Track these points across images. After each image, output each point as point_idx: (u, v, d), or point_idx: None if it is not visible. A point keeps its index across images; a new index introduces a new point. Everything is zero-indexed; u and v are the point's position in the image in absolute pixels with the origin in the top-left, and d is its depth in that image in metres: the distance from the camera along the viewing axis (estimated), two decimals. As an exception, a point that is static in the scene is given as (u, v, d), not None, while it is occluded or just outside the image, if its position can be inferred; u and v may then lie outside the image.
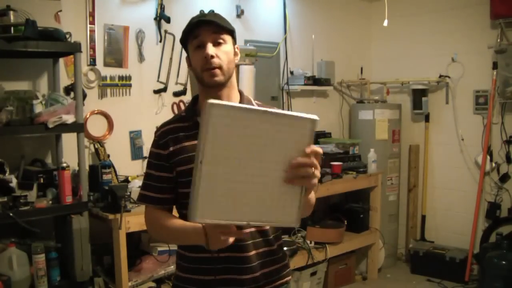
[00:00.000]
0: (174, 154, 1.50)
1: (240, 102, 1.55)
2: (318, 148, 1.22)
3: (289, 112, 1.23)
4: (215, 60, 1.44)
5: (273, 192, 1.23)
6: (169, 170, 1.51)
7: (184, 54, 3.60)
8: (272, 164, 1.22)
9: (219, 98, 1.49)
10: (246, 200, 1.22)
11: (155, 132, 1.57)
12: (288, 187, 1.23)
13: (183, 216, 1.53)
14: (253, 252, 1.49)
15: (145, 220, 1.57)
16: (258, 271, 1.49)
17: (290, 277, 1.63)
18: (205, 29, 1.44)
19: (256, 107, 1.32)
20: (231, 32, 1.50)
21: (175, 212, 1.58)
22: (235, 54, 1.52)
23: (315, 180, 1.23)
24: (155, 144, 1.55)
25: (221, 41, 1.46)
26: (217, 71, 1.45)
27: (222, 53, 1.45)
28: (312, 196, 1.48)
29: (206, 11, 1.62)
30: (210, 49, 1.43)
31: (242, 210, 1.22)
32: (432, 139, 4.64)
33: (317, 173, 1.22)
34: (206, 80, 1.46)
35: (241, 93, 1.58)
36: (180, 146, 1.50)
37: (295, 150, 1.22)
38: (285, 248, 1.70)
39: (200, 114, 1.52)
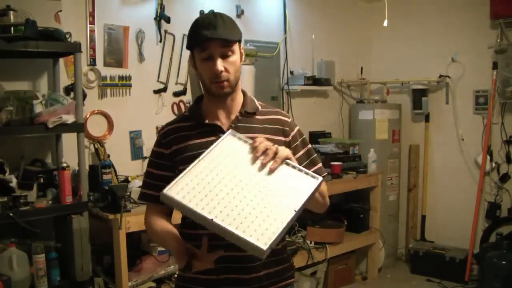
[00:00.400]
0: (176, 153, 1.51)
1: (243, 102, 1.56)
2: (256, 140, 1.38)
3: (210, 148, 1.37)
4: (224, 74, 1.44)
5: (258, 209, 1.25)
6: (170, 169, 1.52)
7: (184, 54, 3.61)
8: (253, 173, 1.32)
9: (224, 101, 1.52)
10: (224, 201, 1.26)
11: (158, 132, 1.59)
12: (277, 213, 1.24)
13: (183, 217, 1.53)
14: None
15: (144, 219, 1.58)
16: (261, 271, 1.49)
17: (294, 279, 1.62)
18: (214, 42, 1.42)
19: (188, 167, 1.35)
20: (239, 39, 1.50)
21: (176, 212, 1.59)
22: (241, 56, 1.52)
23: (275, 155, 1.35)
24: (157, 143, 1.57)
25: (229, 53, 1.45)
26: (225, 83, 1.46)
27: (230, 64, 1.46)
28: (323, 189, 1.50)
29: (206, 11, 1.62)
30: (219, 65, 1.43)
31: (215, 206, 1.24)
32: (432, 139, 4.64)
33: (271, 151, 1.36)
34: (214, 92, 1.48)
35: (244, 93, 1.59)
36: (183, 145, 1.51)
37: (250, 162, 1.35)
38: (285, 248, 1.70)
39: (204, 115, 1.55)
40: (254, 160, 1.35)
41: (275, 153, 1.35)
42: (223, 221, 1.21)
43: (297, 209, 1.25)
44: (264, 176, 1.31)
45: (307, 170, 1.36)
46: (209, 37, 1.40)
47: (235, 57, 1.47)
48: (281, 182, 1.31)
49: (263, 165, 1.33)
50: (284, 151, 1.37)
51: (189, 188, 1.29)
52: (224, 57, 1.44)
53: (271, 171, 1.32)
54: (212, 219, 1.21)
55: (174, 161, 1.51)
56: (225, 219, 1.22)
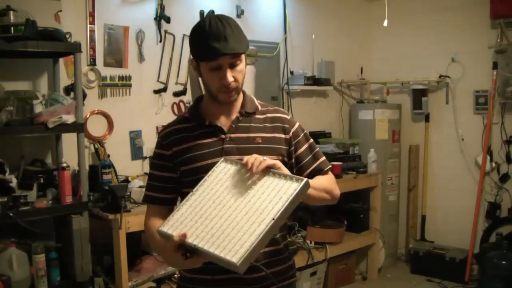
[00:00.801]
0: (177, 154, 1.51)
1: (243, 102, 1.56)
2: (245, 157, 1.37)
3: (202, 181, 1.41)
4: (233, 84, 1.45)
5: (238, 226, 1.27)
6: (172, 170, 1.53)
7: (184, 54, 3.60)
8: (231, 198, 1.34)
9: (227, 104, 1.52)
10: (209, 225, 1.30)
11: (159, 133, 1.59)
12: (256, 226, 1.26)
13: None
14: None
15: (145, 223, 1.57)
16: (263, 270, 1.48)
17: (296, 278, 1.63)
18: (225, 55, 1.41)
19: (182, 202, 1.41)
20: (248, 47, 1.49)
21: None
22: (245, 60, 1.51)
23: (263, 163, 1.35)
24: (158, 145, 1.57)
25: (238, 62, 1.45)
26: (233, 92, 1.47)
27: (238, 73, 1.46)
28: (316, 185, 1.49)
29: (206, 11, 1.62)
30: (229, 76, 1.43)
31: (200, 232, 1.30)
32: (432, 139, 4.64)
33: (257, 160, 1.35)
34: (221, 99, 1.48)
35: (243, 93, 1.59)
36: (183, 146, 1.51)
37: (235, 175, 1.38)
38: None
39: (204, 116, 1.54)
40: (243, 177, 1.36)
41: (260, 162, 1.34)
42: (203, 244, 1.27)
43: (275, 217, 1.25)
44: (248, 192, 1.33)
45: (292, 175, 1.33)
46: (223, 52, 1.38)
47: (242, 65, 1.47)
48: (263, 194, 1.31)
49: (249, 178, 1.35)
50: (270, 161, 1.35)
51: (180, 221, 1.35)
52: (233, 66, 1.44)
53: (253, 181, 1.34)
54: (195, 244, 1.27)
55: (175, 163, 1.52)
56: (206, 241, 1.27)
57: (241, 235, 1.24)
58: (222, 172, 1.41)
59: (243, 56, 1.47)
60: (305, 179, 1.29)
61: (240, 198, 1.33)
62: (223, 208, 1.32)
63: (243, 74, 1.49)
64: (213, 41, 1.39)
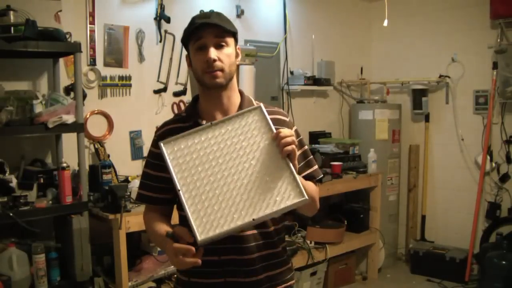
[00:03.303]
0: None
1: (241, 103, 1.54)
2: (282, 132, 1.33)
3: (232, 114, 1.35)
4: (217, 64, 1.43)
5: (258, 185, 1.27)
6: (167, 169, 1.51)
7: (184, 54, 3.61)
8: (245, 163, 1.30)
9: (219, 99, 1.50)
10: (234, 207, 1.26)
11: (155, 132, 1.57)
12: (271, 173, 1.27)
13: (182, 218, 1.52)
14: (256, 255, 1.48)
15: (143, 219, 1.57)
16: (261, 274, 1.48)
17: (294, 281, 1.61)
18: (208, 31, 1.42)
19: (201, 126, 1.39)
20: (234, 34, 1.49)
21: (176, 212, 1.58)
22: (237, 55, 1.51)
23: (294, 150, 1.33)
24: (154, 143, 1.55)
25: (223, 44, 1.45)
26: (219, 73, 1.44)
27: (224, 56, 1.44)
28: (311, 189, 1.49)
29: (206, 11, 1.61)
30: (213, 52, 1.42)
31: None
32: (432, 139, 4.64)
33: (291, 141, 1.33)
34: (207, 82, 1.46)
35: (241, 93, 1.57)
36: None
37: (260, 140, 1.32)
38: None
39: (200, 115, 1.53)
40: (264, 148, 1.33)
41: (293, 148, 1.32)
42: (185, 197, 1.27)
43: (256, 218, 1.25)
44: (255, 169, 1.30)
45: (298, 183, 1.30)
46: (201, 22, 1.42)
47: (229, 50, 1.46)
48: (267, 182, 1.29)
49: (268, 151, 1.32)
50: (296, 151, 1.35)
51: (184, 153, 1.33)
52: (218, 47, 1.44)
53: (268, 159, 1.31)
54: (179, 190, 1.29)
55: None
56: (189, 196, 1.27)
57: (221, 217, 1.25)
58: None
59: (230, 42, 1.47)
60: (305, 197, 1.27)
61: (244, 171, 1.30)
62: (221, 172, 1.30)
63: (231, 61, 1.47)
64: (197, 19, 1.44)
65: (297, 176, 1.30)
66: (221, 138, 1.34)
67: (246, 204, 1.26)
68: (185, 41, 1.50)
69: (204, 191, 1.27)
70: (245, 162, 1.31)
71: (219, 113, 1.51)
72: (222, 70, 1.44)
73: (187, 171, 1.30)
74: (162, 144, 1.35)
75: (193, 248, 1.25)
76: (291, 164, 1.31)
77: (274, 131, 1.34)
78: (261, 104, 1.42)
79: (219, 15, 1.47)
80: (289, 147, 1.31)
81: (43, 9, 2.61)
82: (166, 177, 1.51)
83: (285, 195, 1.27)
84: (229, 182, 1.29)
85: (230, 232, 1.25)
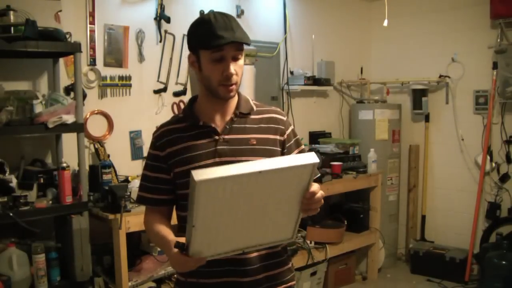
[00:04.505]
0: (171, 156, 1.49)
1: (238, 103, 1.54)
2: (318, 191, 1.35)
3: (286, 163, 1.20)
4: (234, 78, 1.43)
5: (269, 219, 1.27)
6: (166, 171, 1.51)
7: (184, 54, 3.60)
8: (270, 205, 1.26)
9: (221, 104, 1.50)
10: (239, 235, 1.28)
11: (153, 134, 1.57)
12: (285, 211, 1.26)
13: (181, 219, 1.52)
14: (255, 254, 1.47)
15: (143, 220, 1.57)
16: (260, 274, 1.48)
17: (294, 282, 1.61)
18: (231, 45, 1.40)
19: (248, 168, 1.17)
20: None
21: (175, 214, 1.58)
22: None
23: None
24: (152, 145, 1.55)
25: (240, 56, 1.44)
26: (234, 87, 1.45)
27: (239, 68, 1.45)
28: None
29: (206, 11, 1.60)
30: (232, 68, 1.41)
31: (235, 241, 1.29)
32: (432, 139, 4.64)
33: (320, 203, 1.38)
34: (221, 94, 1.45)
35: (238, 93, 1.57)
36: (177, 147, 1.49)
37: (294, 190, 1.27)
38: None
39: (198, 116, 1.52)
40: (291, 196, 1.31)
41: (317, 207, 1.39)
42: (196, 235, 1.22)
43: (244, 251, 1.34)
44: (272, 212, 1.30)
45: (297, 225, 1.38)
46: (231, 40, 1.37)
47: (242, 61, 1.46)
48: (272, 222, 1.33)
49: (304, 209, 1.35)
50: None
51: (218, 195, 1.16)
52: (235, 59, 1.43)
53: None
54: (193, 226, 1.18)
55: (169, 164, 1.50)
56: (199, 234, 1.22)
57: (279, 222, 1.30)
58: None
59: (243, 52, 1.46)
60: (292, 238, 1.39)
61: (252, 208, 1.26)
62: (241, 221, 1.26)
63: (242, 70, 1.47)
64: (220, 30, 1.38)
65: (300, 217, 1.36)
66: (260, 186, 1.20)
67: (251, 233, 1.31)
68: (199, 46, 1.44)
69: (217, 235, 1.25)
70: (274, 204, 1.28)
71: (217, 115, 1.51)
72: (236, 83, 1.45)
73: (210, 211, 1.18)
74: (198, 180, 1.11)
75: (199, 259, 1.28)
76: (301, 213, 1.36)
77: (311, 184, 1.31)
78: (314, 156, 1.26)
79: (238, 24, 1.43)
80: (317, 207, 1.38)
81: (43, 9, 2.61)
82: (165, 179, 1.51)
83: (281, 232, 1.35)
84: (250, 218, 1.27)
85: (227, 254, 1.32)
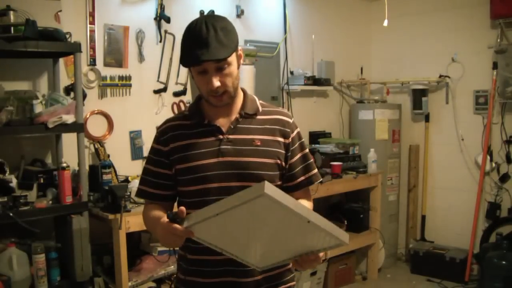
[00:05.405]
0: (174, 152, 1.50)
1: (243, 103, 1.54)
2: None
3: (328, 228, 1.22)
4: (220, 89, 1.42)
5: (294, 239, 1.27)
6: (168, 167, 1.51)
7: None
8: (274, 230, 1.23)
9: (221, 107, 1.49)
10: (279, 249, 1.30)
11: (157, 128, 1.57)
12: (303, 233, 1.24)
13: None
14: None
15: (142, 214, 1.57)
16: (259, 274, 1.47)
17: (294, 283, 1.60)
18: (208, 62, 1.38)
19: (206, 213, 1.17)
20: (235, 48, 1.44)
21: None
22: (239, 61, 1.49)
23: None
24: (156, 140, 1.55)
25: (225, 66, 1.41)
26: (224, 97, 1.45)
27: (226, 76, 1.42)
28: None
29: (206, 11, 1.60)
30: (215, 81, 1.40)
31: (283, 252, 1.30)
32: (432, 139, 4.64)
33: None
34: (213, 103, 1.47)
35: (244, 92, 1.57)
36: (180, 143, 1.49)
37: (278, 218, 1.18)
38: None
39: (203, 115, 1.52)
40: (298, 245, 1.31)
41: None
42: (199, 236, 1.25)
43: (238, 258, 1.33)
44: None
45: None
46: (202, 59, 1.36)
47: (231, 68, 1.43)
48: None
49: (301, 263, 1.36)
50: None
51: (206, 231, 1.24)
52: (220, 70, 1.41)
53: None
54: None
55: (171, 160, 1.50)
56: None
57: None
58: (255, 213, 1.16)
59: (231, 59, 1.42)
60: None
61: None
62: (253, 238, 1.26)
63: (234, 77, 1.45)
64: (194, 47, 1.38)
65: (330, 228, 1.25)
66: (236, 221, 1.19)
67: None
68: (180, 61, 1.47)
69: (244, 246, 1.28)
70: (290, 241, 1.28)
71: (222, 114, 1.51)
72: (225, 92, 1.44)
73: (219, 239, 1.27)
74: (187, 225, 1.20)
75: (188, 232, 1.22)
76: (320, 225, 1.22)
77: (292, 209, 1.14)
78: (265, 186, 1.07)
79: (216, 35, 1.37)
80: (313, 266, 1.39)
81: (43, 9, 2.61)
82: (167, 174, 1.51)
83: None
84: (264, 244, 1.29)
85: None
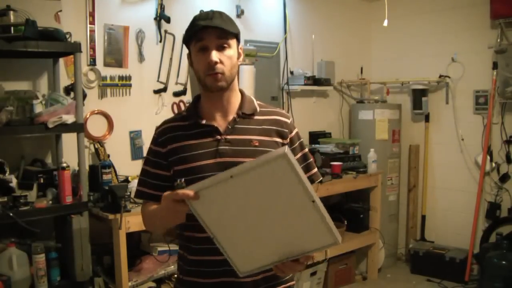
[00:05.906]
0: (172, 153, 1.49)
1: (241, 103, 1.53)
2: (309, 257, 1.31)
3: (254, 161, 1.16)
4: (219, 66, 1.42)
5: (290, 226, 1.24)
6: (166, 168, 1.51)
7: (185, 54, 3.61)
8: (275, 208, 1.22)
9: (220, 100, 1.50)
10: (269, 245, 1.26)
11: (155, 129, 1.57)
12: (302, 215, 1.22)
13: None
14: None
15: (141, 211, 1.57)
16: (258, 274, 1.46)
17: (294, 282, 1.60)
18: (210, 33, 1.42)
19: (220, 176, 1.18)
20: (236, 35, 1.48)
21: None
22: (239, 56, 1.51)
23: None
24: (154, 141, 1.55)
25: (225, 45, 1.43)
26: (220, 76, 1.44)
27: (226, 58, 1.44)
28: None
29: (207, 11, 1.60)
30: (214, 55, 1.41)
31: (271, 253, 1.28)
32: (432, 139, 4.64)
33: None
34: (209, 85, 1.45)
35: (242, 93, 1.57)
36: (178, 145, 1.49)
37: (286, 189, 1.18)
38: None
39: (201, 115, 1.52)
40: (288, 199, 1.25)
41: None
42: (220, 240, 1.27)
43: (242, 275, 1.33)
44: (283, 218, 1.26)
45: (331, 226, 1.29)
46: (204, 25, 1.40)
47: (231, 52, 1.45)
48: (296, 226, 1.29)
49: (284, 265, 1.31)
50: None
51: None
52: (220, 49, 1.43)
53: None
54: (212, 238, 1.27)
55: (169, 161, 1.50)
56: (224, 238, 1.27)
57: (305, 227, 1.25)
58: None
59: (232, 44, 1.46)
60: (337, 241, 1.27)
61: (255, 212, 1.23)
62: (257, 228, 1.24)
63: (233, 63, 1.46)
64: (198, 20, 1.44)
65: (325, 217, 1.23)
66: (244, 188, 1.18)
67: (283, 243, 1.27)
68: (187, 41, 1.50)
69: (240, 236, 1.26)
70: (277, 206, 1.22)
71: (219, 114, 1.51)
72: (223, 73, 1.44)
73: (218, 219, 1.24)
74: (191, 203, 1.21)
75: (195, 195, 1.20)
76: (320, 209, 1.22)
77: (303, 180, 1.16)
78: (286, 149, 1.13)
79: (221, 15, 1.45)
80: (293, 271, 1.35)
81: (43, 9, 2.61)
82: (165, 175, 1.51)
83: (317, 237, 1.25)
84: (265, 225, 1.24)
85: (267, 266, 1.30)
